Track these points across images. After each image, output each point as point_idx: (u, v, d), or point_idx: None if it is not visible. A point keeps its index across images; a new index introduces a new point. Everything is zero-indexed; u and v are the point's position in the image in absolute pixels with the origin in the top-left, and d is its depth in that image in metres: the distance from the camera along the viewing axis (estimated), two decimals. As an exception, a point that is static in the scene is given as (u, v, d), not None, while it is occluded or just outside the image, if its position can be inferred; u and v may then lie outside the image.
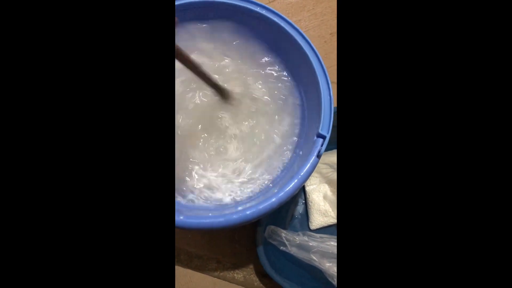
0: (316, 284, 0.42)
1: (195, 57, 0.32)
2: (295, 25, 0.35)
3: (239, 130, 0.38)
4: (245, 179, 0.35)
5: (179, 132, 0.37)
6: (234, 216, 0.28)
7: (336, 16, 0.56)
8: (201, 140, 0.37)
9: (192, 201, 0.34)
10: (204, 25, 0.39)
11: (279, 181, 0.34)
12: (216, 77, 0.36)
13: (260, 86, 0.39)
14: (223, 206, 0.34)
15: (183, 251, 0.46)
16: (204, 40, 0.39)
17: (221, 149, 0.37)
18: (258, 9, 0.35)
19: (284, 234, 0.41)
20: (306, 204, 0.47)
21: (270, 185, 0.35)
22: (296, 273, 0.42)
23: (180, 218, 0.28)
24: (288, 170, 0.35)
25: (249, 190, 0.35)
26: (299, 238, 0.41)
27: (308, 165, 0.30)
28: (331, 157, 0.47)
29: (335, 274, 0.39)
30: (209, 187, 0.35)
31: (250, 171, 0.35)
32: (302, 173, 0.30)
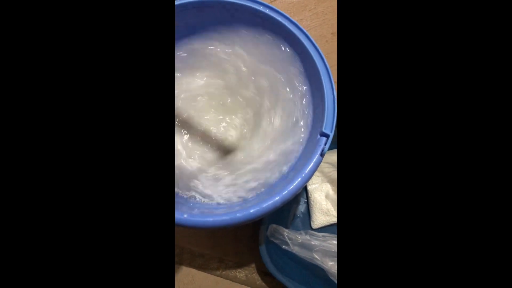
0: (318, 282, 0.42)
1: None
2: (299, 25, 0.35)
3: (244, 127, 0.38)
4: (249, 178, 0.35)
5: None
6: (238, 215, 0.28)
7: (337, 15, 0.56)
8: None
9: (195, 199, 0.34)
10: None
11: (283, 179, 0.34)
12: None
13: (266, 85, 0.39)
14: (226, 205, 0.34)
15: (185, 250, 0.46)
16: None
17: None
18: (261, 8, 0.35)
19: (286, 233, 0.41)
20: (308, 203, 0.47)
21: (274, 183, 0.35)
22: (298, 272, 0.42)
23: (184, 216, 0.28)
24: (291, 168, 0.35)
25: (252, 189, 0.35)
26: (301, 237, 0.41)
27: (312, 164, 0.30)
28: (333, 156, 0.47)
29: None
30: (213, 186, 0.35)
31: (254, 170, 0.36)
32: (305, 172, 0.30)
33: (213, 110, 0.41)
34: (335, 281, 0.39)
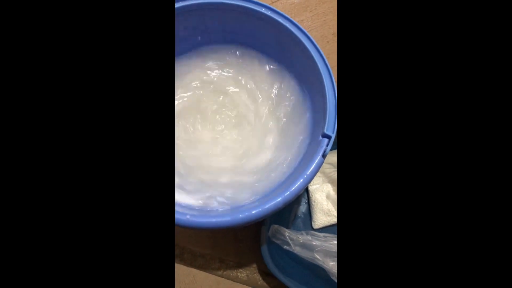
0: (319, 282, 0.42)
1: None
2: (300, 26, 0.35)
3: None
4: (252, 179, 0.35)
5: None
6: (240, 216, 0.28)
7: (339, 16, 0.56)
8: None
9: (198, 202, 0.34)
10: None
11: (284, 180, 0.35)
12: None
13: (266, 88, 0.39)
14: (228, 206, 0.34)
15: (186, 250, 0.46)
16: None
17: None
18: (262, 10, 0.36)
19: (287, 233, 0.41)
20: (309, 204, 0.47)
21: (276, 184, 0.35)
22: (300, 272, 0.42)
23: (186, 217, 0.28)
24: (293, 170, 0.35)
25: (253, 189, 0.35)
26: (302, 237, 0.41)
27: (314, 165, 0.30)
28: (334, 157, 0.48)
29: (339, 273, 0.39)
30: (216, 187, 0.35)
31: (257, 171, 0.36)
32: (307, 173, 0.30)
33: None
34: (336, 281, 0.39)
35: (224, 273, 0.45)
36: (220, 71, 0.42)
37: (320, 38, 0.55)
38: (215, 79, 0.42)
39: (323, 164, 0.46)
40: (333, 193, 0.46)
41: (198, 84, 0.41)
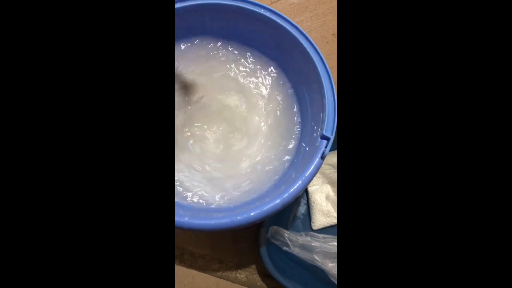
0: (318, 284, 0.42)
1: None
2: (298, 26, 0.35)
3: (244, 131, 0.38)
4: (250, 181, 0.35)
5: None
6: (239, 217, 0.28)
7: (338, 16, 0.56)
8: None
9: (196, 202, 0.34)
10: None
11: (283, 182, 0.34)
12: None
13: (263, 89, 0.39)
14: (227, 208, 0.34)
15: (186, 251, 0.46)
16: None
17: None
18: (261, 11, 0.35)
19: (287, 234, 0.41)
20: (308, 205, 0.47)
21: (274, 186, 0.35)
22: (299, 273, 0.42)
23: (185, 219, 0.28)
24: (292, 171, 0.35)
25: (252, 191, 0.35)
26: (302, 238, 0.41)
27: (312, 166, 0.30)
28: (334, 158, 0.47)
29: (338, 274, 0.39)
30: (214, 188, 0.35)
31: (255, 173, 0.36)
32: (306, 175, 0.30)
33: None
34: (336, 282, 0.39)
35: (223, 274, 0.45)
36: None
37: (319, 38, 0.55)
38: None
39: (323, 165, 0.47)
40: (333, 194, 0.46)
41: None
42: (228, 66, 0.40)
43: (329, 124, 0.32)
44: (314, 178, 0.47)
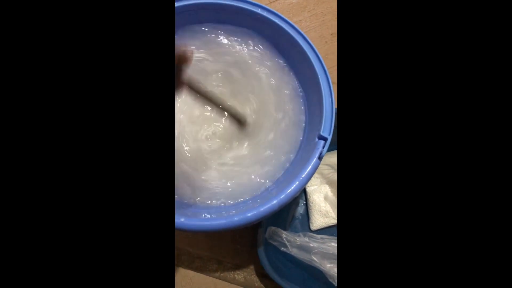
0: (316, 284, 0.42)
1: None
2: (296, 26, 0.35)
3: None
4: (246, 181, 0.35)
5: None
6: (235, 218, 0.28)
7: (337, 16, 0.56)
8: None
9: (193, 203, 0.34)
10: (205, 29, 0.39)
11: (280, 183, 0.34)
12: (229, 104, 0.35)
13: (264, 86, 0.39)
14: (224, 208, 0.34)
15: (184, 252, 0.46)
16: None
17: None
18: (259, 11, 0.35)
19: (285, 235, 0.41)
20: (307, 205, 0.47)
21: (272, 187, 0.34)
22: (297, 274, 0.42)
23: (181, 220, 0.28)
24: (290, 172, 0.35)
25: (249, 191, 0.35)
26: (299, 239, 0.41)
27: (310, 167, 0.30)
28: (332, 158, 0.47)
29: (336, 275, 0.39)
30: (212, 188, 0.35)
31: (253, 173, 0.35)
32: (303, 176, 0.30)
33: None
34: (334, 283, 0.39)
35: (221, 274, 0.45)
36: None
37: (318, 38, 0.55)
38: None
39: (321, 165, 0.46)
40: (331, 195, 0.46)
41: None
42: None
43: (327, 125, 0.32)
44: (313, 178, 0.47)
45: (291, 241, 0.41)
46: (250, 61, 0.38)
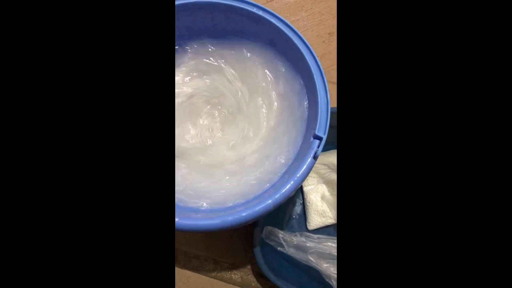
0: (313, 284, 0.42)
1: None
2: (291, 25, 0.35)
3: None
4: (241, 180, 0.35)
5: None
6: (230, 218, 0.28)
7: (334, 15, 0.56)
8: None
9: (186, 202, 0.34)
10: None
11: (275, 182, 0.34)
12: None
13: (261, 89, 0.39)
14: (218, 208, 0.34)
15: (180, 252, 0.46)
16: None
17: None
18: (254, 10, 0.35)
19: (281, 234, 0.41)
20: (304, 205, 0.47)
21: (267, 186, 0.34)
22: (293, 274, 0.42)
23: (175, 220, 0.28)
24: (285, 171, 0.35)
25: (246, 191, 0.35)
26: (296, 238, 0.41)
27: (304, 166, 0.30)
28: (329, 158, 0.47)
29: (332, 274, 0.39)
30: (206, 188, 0.35)
31: (246, 171, 0.35)
32: (298, 175, 0.29)
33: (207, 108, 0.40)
34: (330, 283, 0.39)
35: (218, 274, 0.45)
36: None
37: (315, 37, 0.55)
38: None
39: (318, 165, 0.46)
40: (328, 194, 0.46)
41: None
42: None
43: (322, 124, 0.31)
44: (310, 178, 0.47)
45: (288, 241, 0.41)
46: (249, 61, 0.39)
